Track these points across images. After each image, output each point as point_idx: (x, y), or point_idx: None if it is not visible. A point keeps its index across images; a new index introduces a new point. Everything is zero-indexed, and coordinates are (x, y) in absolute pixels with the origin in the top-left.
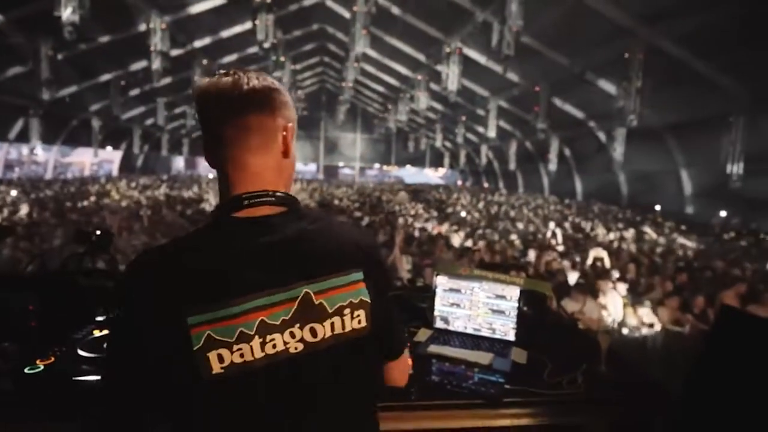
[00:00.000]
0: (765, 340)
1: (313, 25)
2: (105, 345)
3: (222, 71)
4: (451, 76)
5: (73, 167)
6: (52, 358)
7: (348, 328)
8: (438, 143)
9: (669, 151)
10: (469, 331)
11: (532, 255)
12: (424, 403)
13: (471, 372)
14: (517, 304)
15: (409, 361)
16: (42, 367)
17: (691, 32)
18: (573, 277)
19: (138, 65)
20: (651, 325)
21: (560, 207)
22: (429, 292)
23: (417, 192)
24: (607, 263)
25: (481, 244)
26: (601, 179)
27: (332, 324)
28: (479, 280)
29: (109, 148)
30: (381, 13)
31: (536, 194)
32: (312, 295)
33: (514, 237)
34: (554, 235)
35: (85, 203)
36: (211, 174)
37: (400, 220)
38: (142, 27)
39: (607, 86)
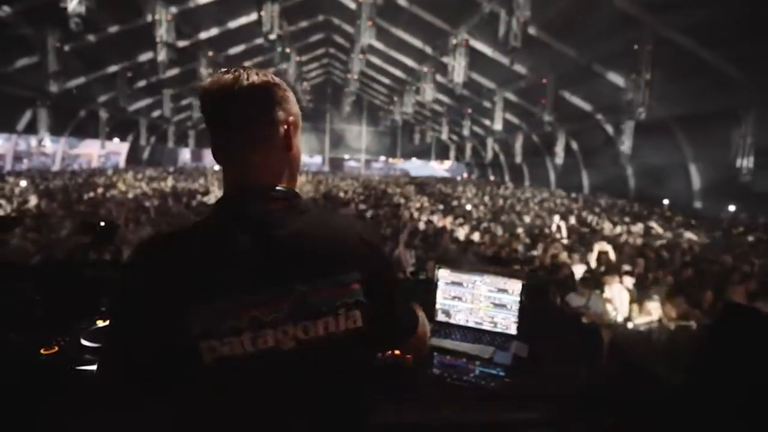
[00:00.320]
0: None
1: (318, 16)
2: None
3: (224, 69)
4: (458, 68)
5: (80, 159)
6: (56, 348)
7: (342, 328)
8: (444, 136)
9: (677, 145)
10: (471, 324)
11: (538, 248)
12: (425, 396)
13: (472, 365)
14: (519, 298)
15: (426, 328)
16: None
17: (701, 22)
18: (579, 271)
19: (144, 57)
20: (658, 320)
21: (567, 201)
22: (431, 285)
23: (422, 185)
24: (612, 257)
25: (487, 237)
26: (609, 173)
27: (326, 323)
28: (481, 273)
29: (116, 139)
30: (387, 4)
31: (542, 188)
32: (306, 293)
33: (520, 230)
34: (558, 228)
35: (92, 194)
36: (217, 166)
37: (405, 213)
38: (148, 18)
39: (616, 78)
